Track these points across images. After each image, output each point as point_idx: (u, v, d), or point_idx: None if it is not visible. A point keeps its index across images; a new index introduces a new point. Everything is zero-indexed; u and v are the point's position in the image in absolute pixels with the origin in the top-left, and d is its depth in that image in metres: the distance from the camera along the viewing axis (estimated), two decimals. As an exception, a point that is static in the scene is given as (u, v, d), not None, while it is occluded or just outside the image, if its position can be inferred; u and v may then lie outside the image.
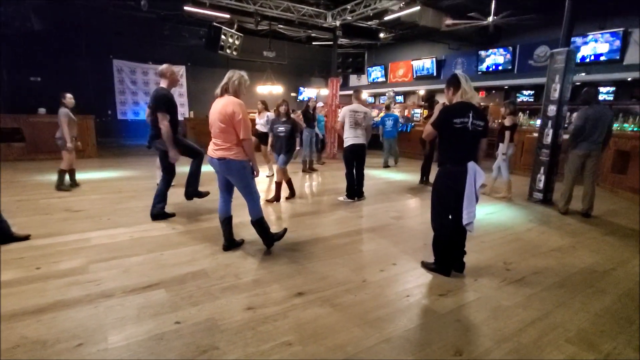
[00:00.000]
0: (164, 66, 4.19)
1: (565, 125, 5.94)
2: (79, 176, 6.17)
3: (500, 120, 6.02)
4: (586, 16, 8.74)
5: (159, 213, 4.35)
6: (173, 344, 2.11)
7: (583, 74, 9.90)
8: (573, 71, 5.54)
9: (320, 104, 9.21)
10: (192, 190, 4.34)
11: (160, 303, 2.55)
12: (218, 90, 3.22)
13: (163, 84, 4.15)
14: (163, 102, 3.99)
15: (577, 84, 9.75)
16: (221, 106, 3.14)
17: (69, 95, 5.75)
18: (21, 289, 2.69)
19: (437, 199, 3.04)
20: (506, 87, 12.66)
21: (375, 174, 7.95)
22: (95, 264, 3.15)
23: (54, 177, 5.78)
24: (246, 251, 3.51)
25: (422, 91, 15.28)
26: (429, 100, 9.15)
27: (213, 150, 3.27)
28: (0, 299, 2.45)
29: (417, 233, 4.22)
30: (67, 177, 5.84)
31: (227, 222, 3.50)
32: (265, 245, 3.55)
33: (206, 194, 4.54)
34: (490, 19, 9.84)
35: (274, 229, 3.92)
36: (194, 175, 4.33)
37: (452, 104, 2.88)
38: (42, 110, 9.36)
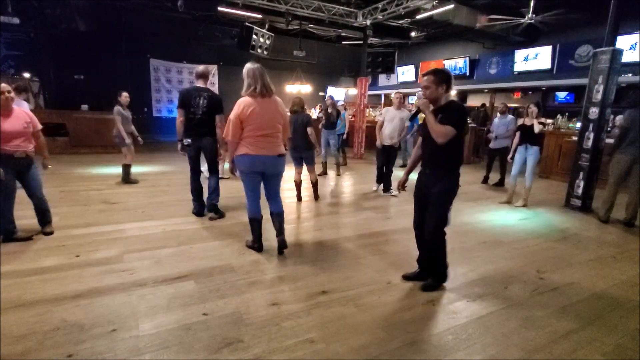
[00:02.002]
0: (203, 67, 4.34)
1: (609, 129, 5.59)
2: (116, 170, 6.40)
3: (529, 122, 5.40)
4: (633, 13, 8.20)
5: (212, 206, 4.45)
6: (200, 335, 2.18)
7: (629, 75, 9.31)
8: (618, 72, 5.23)
9: (340, 102, 8.99)
10: (214, 205, 4.42)
11: (189, 294, 2.64)
12: (264, 89, 3.12)
13: (201, 83, 4.24)
14: (221, 106, 4.27)
15: (623, 85, 9.18)
16: (278, 107, 3.24)
17: (124, 94, 5.84)
18: (62, 275, 2.86)
19: (450, 205, 2.80)
20: (544, 87, 12.10)
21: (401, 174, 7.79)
22: (130, 254, 3.30)
23: (94, 170, 6.08)
24: (271, 249, 3.55)
25: (453, 91, 14.91)
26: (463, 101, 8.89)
27: (269, 147, 3.18)
28: (0, 291, 2.60)
29: (444, 236, 4.12)
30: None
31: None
32: (279, 241, 3.39)
33: (223, 214, 4.50)
34: (529, 16, 9.47)
35: (301, 227, 3.96)
36: (216, 191, 4.41)
37: (462, 104, 2.70)
38: (84, 107, 9.91)
